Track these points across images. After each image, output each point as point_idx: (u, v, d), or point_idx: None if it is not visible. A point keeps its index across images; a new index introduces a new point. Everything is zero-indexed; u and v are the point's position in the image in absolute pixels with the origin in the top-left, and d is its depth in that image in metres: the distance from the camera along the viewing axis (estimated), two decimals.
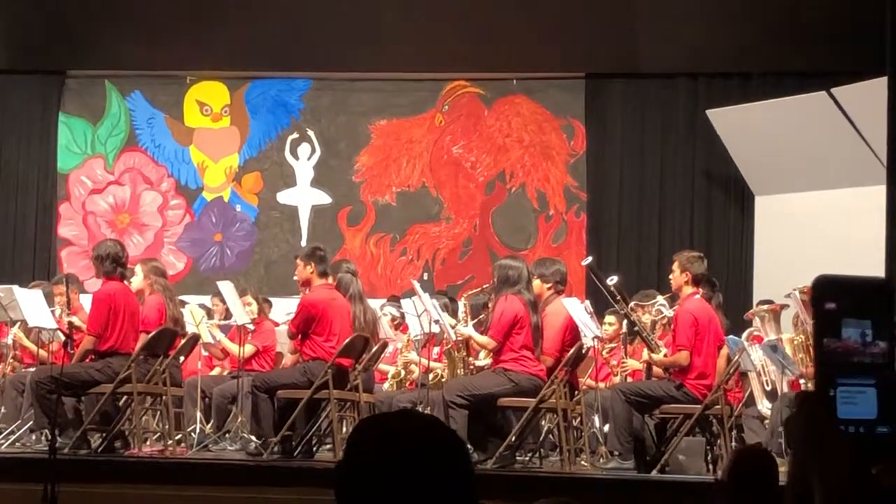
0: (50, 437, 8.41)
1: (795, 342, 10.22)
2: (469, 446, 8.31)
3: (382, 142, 15.77)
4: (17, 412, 10.36)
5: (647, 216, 15.13)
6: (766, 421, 10.38)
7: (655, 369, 9.79)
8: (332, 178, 15.80)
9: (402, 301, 11.76)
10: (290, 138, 15.86)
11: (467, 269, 15.44)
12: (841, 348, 1.79)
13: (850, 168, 13.03)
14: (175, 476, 8.81)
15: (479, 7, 14.84)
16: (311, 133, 15.86)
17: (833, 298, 1.81)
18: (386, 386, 11.76)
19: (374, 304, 11.62)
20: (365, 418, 2.31)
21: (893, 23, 10.71)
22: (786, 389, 10.25)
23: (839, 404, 1.78)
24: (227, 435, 11.08)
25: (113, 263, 9.91)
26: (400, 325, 12.24)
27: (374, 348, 10.31)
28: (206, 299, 13.00)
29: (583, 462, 9.88)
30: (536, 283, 9.89)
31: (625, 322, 10.14)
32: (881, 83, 12.10)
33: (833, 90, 13.07)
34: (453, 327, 10.08)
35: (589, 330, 10.01)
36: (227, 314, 11.91)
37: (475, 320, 10.18)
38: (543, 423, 10.43)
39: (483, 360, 10.17)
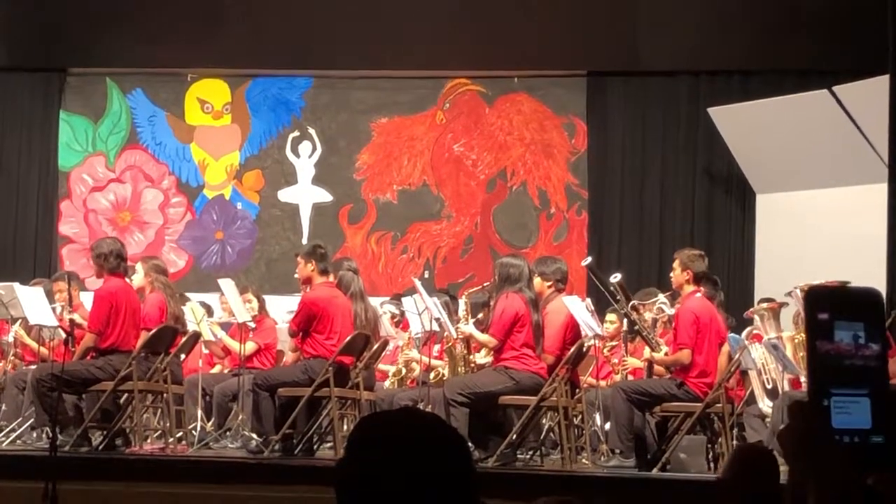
0: (51, 434, 8.41)
1: (796, 340, 10.21)
2: (470, 444, 8.31)
3: (383, 140, 15.77)
4: (18, 410, 10.36)
5: (649, 214, 15.12)
6: (768, 419, 10.37)
7: (657, 367, 9.79)
8: (333, 176, 15.80)
9: (403, 299, 11.75)
10: (291, 136, 15.86)
11: (468, 267, 15.43)
12: (833, 351, 1.79)
13: (852, 166, 13.02)
14: (176, 474, 8.81)
15: (480, 5, 14.85)
16: (312, 131, 15.86)
17: (825, 309, 1.81)
18: (387, 384, 11.76)
19: (375, 302, 11.62)
20: (366, 416, 2.30)
21: (895, 21, 10.71)
22: (787, 388, 10.24)
23: (833, 414, 1.78)
24: (228, 433, 11.08)
25: (117, 259, 9.92)
26: (400, 322, 12.24)
27: (375, 346, 10.31)
28: (208, 297, 12.99)
29: (584, 460, 9.89)
30: (537, 281, 9.89)
31: (625, 321, 10.13)
32: (883, 81, 12.11)
33: (835, 88, 13.07)
34: (456, 325, 10.07)
35: (590, 328, 10.01)
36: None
37: (475, 319, 10.17)
38: (544, 421, 10.43)
39: (484, 358, 10.17)
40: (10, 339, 11.18)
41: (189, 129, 15.95)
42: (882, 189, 12.33)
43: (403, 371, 11.89)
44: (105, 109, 15.96)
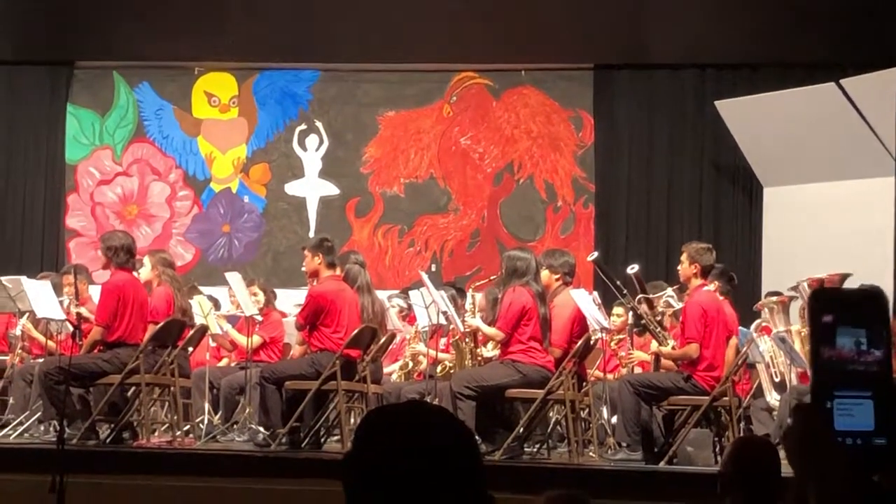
0: (58, 427, 8.42)
1: (803, 334, 10.21)
2: (477, 437, 8.32)
3: (390, 133, 15.77)
4: (26, 403, 10.38)
5: (656, 207, 15.12)
6: (775, 412, 10.37)
7: (664, 361, 9.78)
8: (340, 170, 15.80)
9: (410, 292, 11.75)
10: (297, 129, 15.87)
11: (475, 260, 15.43)
12: (836, 357, 1.79)
13: (859, 159, 13.00)
14: (183, 467, 8.82)
15: None
16: (318, 124, 15.86)
17: (829, 311, 1.81)
18: (394, 377, 11.76)
19: (382, 295, 11.62)
20: (373, 409, 2.30)
21: None
22: (794, 381, 10.24)
23: (836, 416, 1.78)
24: (235, 426, 11.09)
25: (126, 254, 9.93)
26: (408, 316, 12.24)
27: (382, 339, 10.31)
28: (215, 290, 13.00)
29: (591, 453, 9.88)
30: (545, 274, 9.89)
31: (632, 314, 10.12)
32: (891, 74, 12.11)
33: (842, 81, 13.05)
34: (463, 318, 10.07)
35: (597, 322, 10.00)
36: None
37: (482, 313, 10.17)
38: (551, 414, 10.43)
39: (491, 351, 10.17)
40: (18, 332, 11.19)
41: (196, 123, 15.96)
42: (889, 182, 12.33)
43: (410, 364, 11.89)
44: (112, 103, 15.97)
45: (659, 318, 9.76)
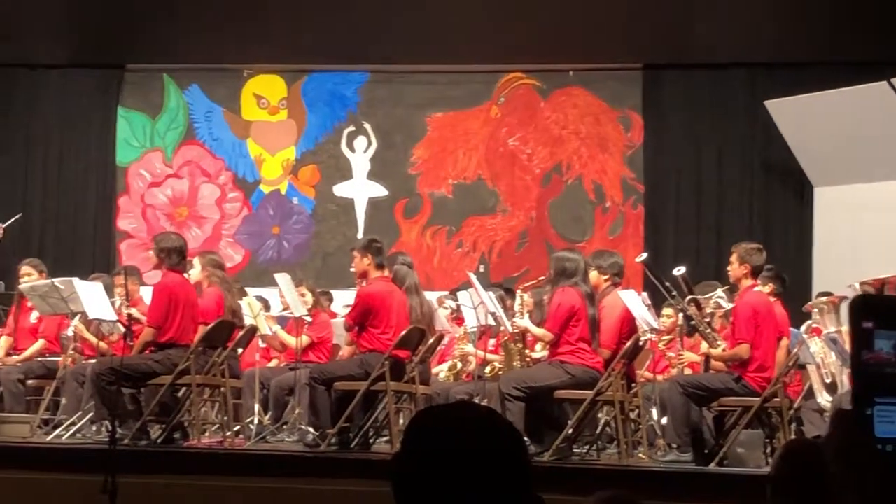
0: (110, 428, 8.47)
1: None
2: (525, 438, 8.31)
3: (438, 134, 15.78)
4: (78, 404, 10.44)
5: (705, 208, 15.05)
6: (826, 414, 10.29)
7: (714, 362, 9.73)
8: (389, 171, 15.83)
9: (459, 293, 11.75)
10: (346, 131, 15.91)
11: (523, 261, 15.42)
12: (873, 360, 1.79)
13: None
14: (233, 467, 8.86)
15: None
16: (367, 126, 15.90)
17: (870, 317, 1.80)
18: (442, 377, 11.77)
19: (430, 296, 11.63)
20: (422, 410, 2.31)
21: None
22: (846, 382, 10.16)
23: (876, 423, 1.78)
24: (284, 426, 11.12)
25: (179, 256, 9.98)
26: (455, 317, 12.24)
27: (431, 340, 10.32)
28: (264, 291, 13.05)
29: (640, 455, 9.85)
30: (593, 274, 9.87)
31: (682, 316, 10.08)
32: None
33: (893, 80, 12.94)
34: (511, 319, 10.06)
35: (646, 322, 9.97)
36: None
37: (530, 313, 10.16)
38: (600, 415, 10.40)
39: (540, 352, 10.16)
40: (70, 333, 11.26)
41: (245, 125, 16.04)
42: None
43: (459, 365, 11.89)
44: (162, 105, 16.08)
45: (709, 319, 9.71)
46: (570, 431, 9.52)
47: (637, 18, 14.63)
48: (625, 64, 15.41)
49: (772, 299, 9.90)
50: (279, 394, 11.42)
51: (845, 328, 10.40)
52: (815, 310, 10.79)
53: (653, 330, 10.17)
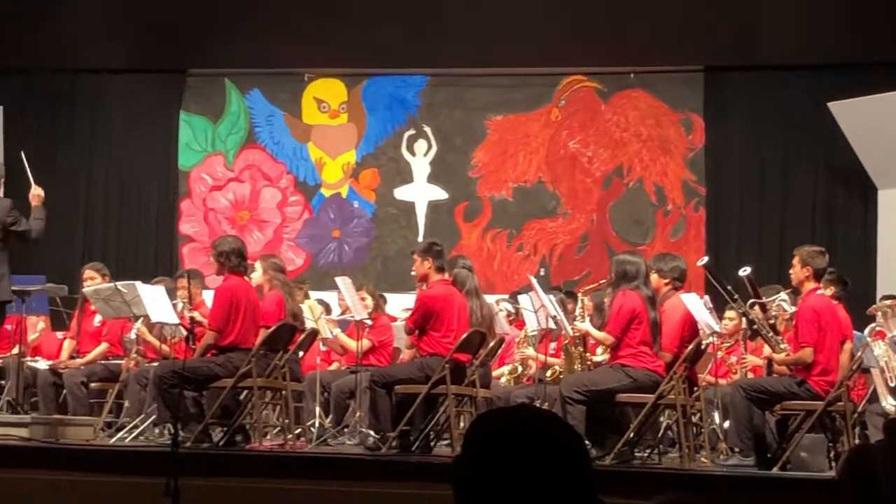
0: (172, 431, 8.52)
1: None
2: (587, 442, 8.28)
3: (499, 137, 15.77)
4: (141, 406, 10.52)
5: (768, 210, 14.95)
6: (890, 417, 10.18)
7: (777, 366, 9.65)
8: (449, 174, 15.84)
9: (519, 296, 11.74)
10: (406, 134, 15.94)
11: (584, 264, 15.38)
12: None
13: None
14: (294, 470, 8.88)
15: (596, 1, 14.78)
16: (427, 129, 15.92)
17: None
18: (503, 381, 11.76)
19: (490, 299, 11.62)
20: (483, 413, 2.30)
21: None
22: None
23: None
24: (345, 429, 11.16)
25: (238, 258, 10.02)
26: (515, 321, 12.24)
27: (491, 344, 10.30)
28: (325, 295, 13.10)
29: (702, 458, 9.79)
30: (654, 277, 9.81)
31: (745, 319, 10.01)
32: None
33: None
34: (572, 323, 10.03)
35: (708, 326, 9.91)
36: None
37: (591, 316, 10.13)
38: (662, 419, 10.35)
39: (601, 356, 10.13)
40: (133, 336, 11.35)
41: (306, 129, 16.11)
42: None
43: (520, 368, 11.88)
44: (224, 110, 16.17)
45: (772, 322, 9.63)
46: (632, 435, 9.47)
47: (699, 20, 14.57)
48: (686, 66, 15.32)
49: (834, 302, 9.80)
50: (340, 397, 11.46)
51: None
52: (879, 313, 10.69)
53: (715, 333, 10.11)
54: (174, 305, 10.67)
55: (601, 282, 10.56)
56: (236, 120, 16.16)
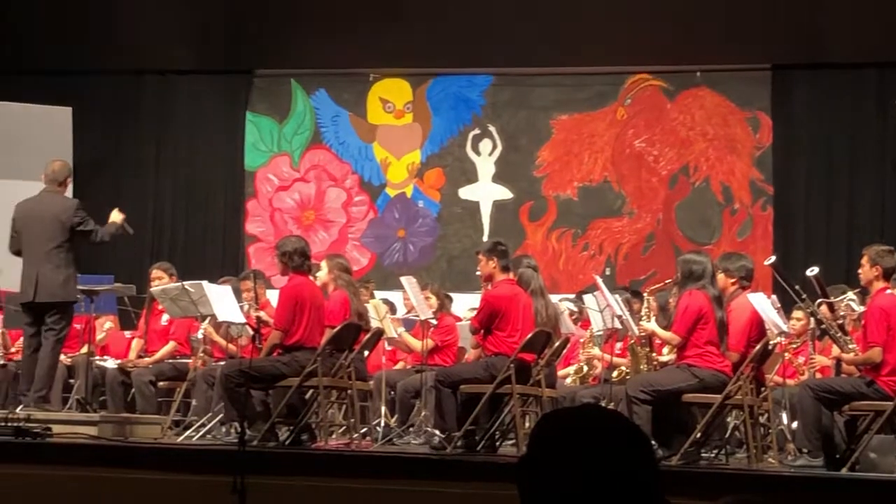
0: (239, 429, 8.56)
1: None
2: (653, 442, 8.24)
3: (564, 136, 15.74)
4: (208, 405, 10.59)
5: (836, 209, 14.82)
6: None
7: (846, 365, 9.56)
8: (514, 174, 15.83)
9: (584, 296, 11.71)
10: (471, 134, 15.95)
11: (650, 263, 15.31)
12: None
13: None
14: (360, 469, 8.90)
15: None
16: (492, 129, 15.91)
17: None
18: (568, 381, 11.73)
19: (555, 298, 11.60)
20: (548, 413, 2.29)
21: None
22: None
23: None
24: (411, 429, 11.17)
25: (301, 257, 10.06)
26: (579, 320, 12.21)
27: (556, 343, 10.28)
28: (390, 294, 13.12)
29: (770, 459, 9.71)
30: (721, 277, 9.74)
31: (812, 319, 9.92)
32: None
33: None
34: (638, 322, 9.99)
35: (776, 325, 9.83)
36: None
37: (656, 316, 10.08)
38: (729, 419, 10.28)
39: (667, 356, 10.08)
40: (200, 336, 11.43)
41: (371, 129, 16.15)
42: None
43: (585, 368, 11.85)
44: (290, 110, 16.25)
45: (840, 322, 9.54)
46: (699, 435, 9.42)
47: (766, 18, 14.47)
48: (753, 64, 15.22)
49: None
50: (405, 396, 11.47)
51: None
52: None
53: (782, 333, 10.03)
54: (241, 305, 10.73)
55: (667, 281, 10.50)
56: (302, 120, 16.23)
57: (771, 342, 9.84)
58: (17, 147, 14.58)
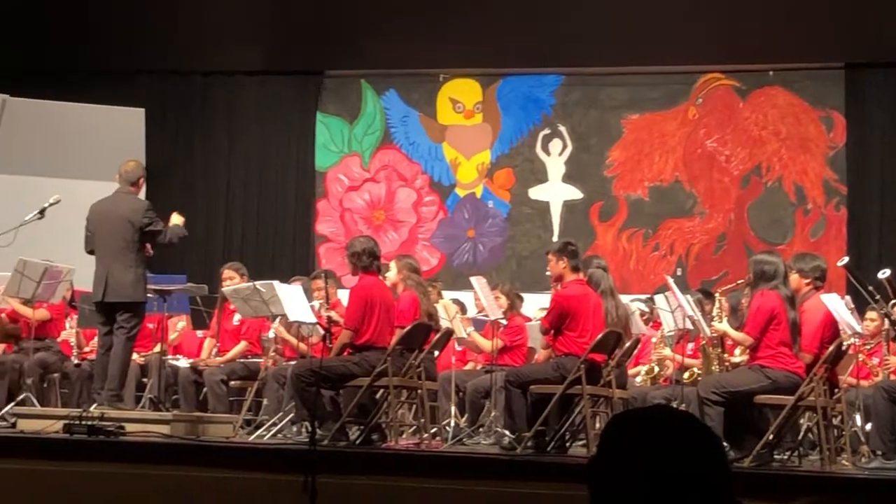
0: (310, 428, 8.59)
1: None
2: (725, 444, 8.18)
3: (634, 136, 15.68)
4: (279, 404, 10.65)
5: None
6: None
7: None
8: (584, 173, 15.79)
9: (656, 296, 11.66)
10: (541, 134, 15.92)
11: (722, 264, 15.21)
12: None
13: None
14: (430, 469, 8.91)
15: None
16: (562, 128, 15.88)
17: None
18: (638, 381, 11.68)
19: (626, 299, 11.55)
20: (618, 414, 2.28)
21: None
22: None
23: None
24: (481, 429, 11.17)
25: (370, 258, 10.09)
26: (650, 321, 12.15)
27: (627, 344, 10.24)
28: (459, 294, 13.13)
29: (844, 461, 9.62)
30: (794, 277, 9.66)
31: (886, 320, 9.82)
32: None
33: None
34: (710, 323, 9.93)
35: (849, 327, 9.73)
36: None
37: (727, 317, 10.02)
38: (802, 421, 10.19)
39: (739, 356, 10.00)
40: (271, 335, 11.50)
41: (441, 129, 16.17)
42: None
43: (657, 369, 11.79)
44: (360, 110, 16.31)
45: None
46: (771, 437, 9.34)
47: (839, 17, 14.34)
48: (826, 63, 15.08)
49: None
50: (475, 396, 11.47)
51: None
52: None
53: (856, 334, 9.92)
54: (311, 305, 10.78)
55: (739, 282, 10.42)
56: (372, 120, 16.28)
57: (844, 343, 9.75)
58: (91, 148, 14.75)
